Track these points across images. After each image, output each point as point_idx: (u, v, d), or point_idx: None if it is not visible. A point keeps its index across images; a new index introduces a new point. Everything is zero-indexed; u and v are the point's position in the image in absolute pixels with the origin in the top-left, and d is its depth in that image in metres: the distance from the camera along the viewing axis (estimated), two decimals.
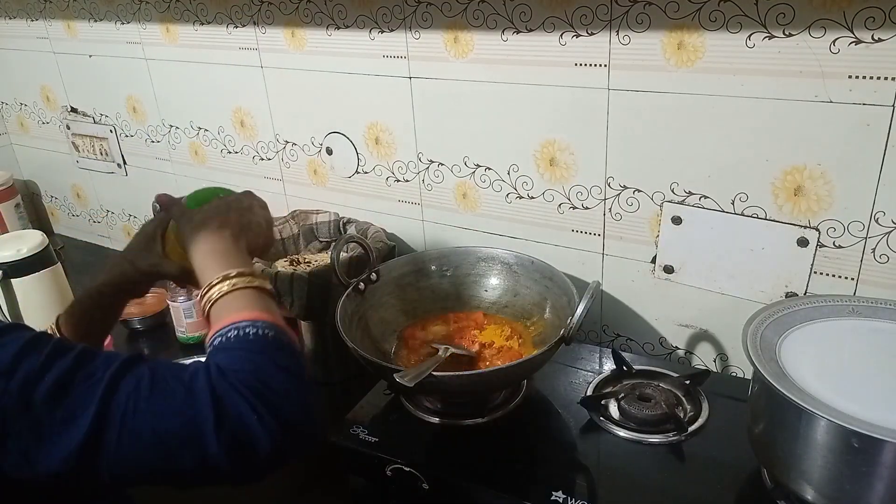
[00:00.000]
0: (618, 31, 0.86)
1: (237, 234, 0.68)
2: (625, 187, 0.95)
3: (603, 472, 0.81)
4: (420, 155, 1.12)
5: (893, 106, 0.74)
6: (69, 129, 1.59)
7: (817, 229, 0.84)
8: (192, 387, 0.52)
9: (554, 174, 1.00)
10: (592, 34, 0.88)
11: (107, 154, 1.56)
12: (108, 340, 1.07)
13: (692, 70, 0.84)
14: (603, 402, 0.89)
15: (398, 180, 1.16)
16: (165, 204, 0.76)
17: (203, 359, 0.56)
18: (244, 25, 1.19)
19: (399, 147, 1.13)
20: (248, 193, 0.76)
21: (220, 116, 1.33)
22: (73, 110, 1.56)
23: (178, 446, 0.50)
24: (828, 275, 0.85)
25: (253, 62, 1.22)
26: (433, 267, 1.07)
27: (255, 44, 1.20)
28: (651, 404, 0.87)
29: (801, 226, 0.84)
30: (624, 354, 0.96)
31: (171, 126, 1.41)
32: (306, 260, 1.13)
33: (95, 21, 1.39)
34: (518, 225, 1.07)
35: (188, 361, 0.58)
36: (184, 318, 1.18)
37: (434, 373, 0.80)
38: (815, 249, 0.85)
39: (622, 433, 0.84)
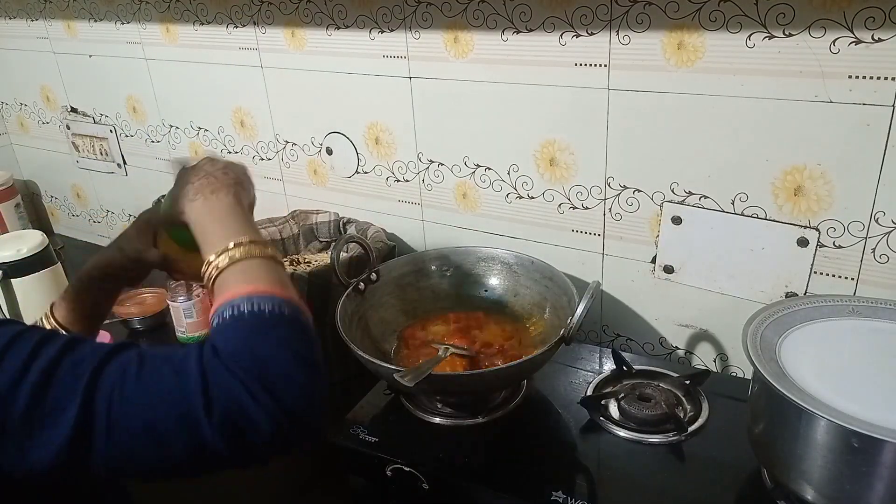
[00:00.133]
0: (618, 31, 0.86)
1: (234, 192, 0.65)
2: (625, 187, 0.95)
3: (603, 472, 0.81)
4: (420, 155, 1.12)
5: (893, 106, 0.74)
6: (69, 129, 1.59)
7: (817, 229, 0.84)
8: (182, 369, 0.50)
9: (554, 174, 1.00)
10: (592, 34, 0.88)
11: (107, 154, 1.56)
12: (108, 339, 1.07)
13: (692, 70, 0.84)
14: (603, 402, 0.89)
15: (398, 180, 1.16)
16: (180, 164, 0.73)
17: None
18: (244, 25, 1.19)
19: (399, 147, 1.13)
20: (209, 159, 0.72)
21: (220, 116, 1.33)
22: (73, 110, 1.56)
23: (170, 432, 0.48)
24: (828, 275, 0.85)
25: (253, 62, 1.22)
26: (433, 267, 1.07)
27: (255, 44, 1.20)
28: (651, 404, 0.87)
29: (801, 226, 0.84)
30: (624, 354, 0.96)
31: (171, 126, 1.41)
32: (306, 260, 1.13)
33: (95, 21, 1.39)
34: (518, 225, 1.07)
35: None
36: (184, 318, 1.18)
37: (434, 373, 0.80)
38: (815, 249, 0.85)
39: (622, 433, 0.84)
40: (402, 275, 1.05)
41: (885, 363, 0.68)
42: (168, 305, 1.20)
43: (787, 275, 0.88)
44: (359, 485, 0.89)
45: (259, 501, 0.89)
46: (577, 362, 1.00)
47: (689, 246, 0.93)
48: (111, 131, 1.52)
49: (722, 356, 0.99)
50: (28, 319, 1.11)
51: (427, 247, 1.18)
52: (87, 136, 1.58)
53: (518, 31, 0.93)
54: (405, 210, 1.18)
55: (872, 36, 0.72)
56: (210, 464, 0.50)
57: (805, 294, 0.88)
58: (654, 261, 0.98)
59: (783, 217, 0.85)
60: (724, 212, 0.89)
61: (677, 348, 1.02)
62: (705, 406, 0.87)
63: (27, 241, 1.16)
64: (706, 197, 0.89)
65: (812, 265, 0.86)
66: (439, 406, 0.90)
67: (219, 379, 0.49)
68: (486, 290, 1.06)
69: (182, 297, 1.17)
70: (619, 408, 0.88)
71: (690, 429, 0.84)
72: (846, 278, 0.84)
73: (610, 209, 0.98)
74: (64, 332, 0.52)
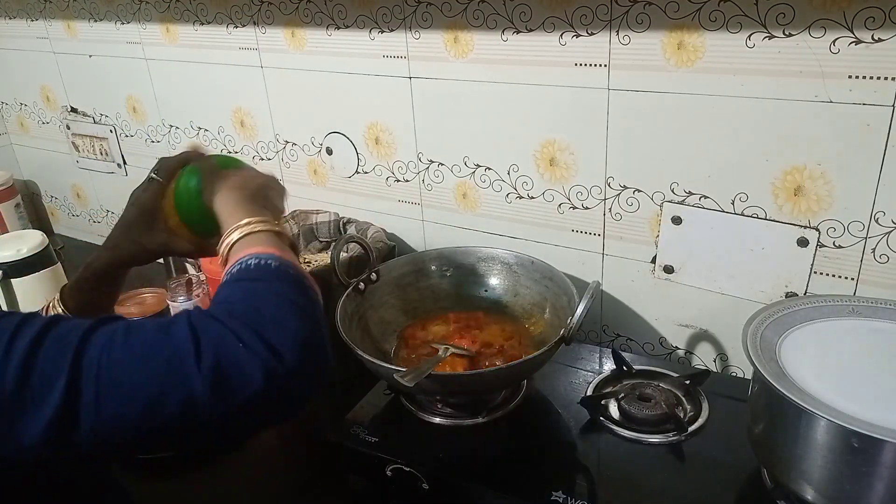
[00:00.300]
0: (618, 31, 0.86)
1: (257, 192, 0.67)
2: (625, 187, 0.95)
3: (603, 472, 0.81)
4: (420, 155, 1.12)
5: (893, 106, 0.74)
6: (69, 129, 1.59)
7: (817, 229, 0.84)
8: (170, 328, 0.49)
9: (554, 174, 1.00)
10: (592, 34, 0.88)
11: (107, 154, 1.56)
12: None
13: (692, 70, 0.84)
14: (603, 402, 0.89)
15: (398, 180, 1.16)
16: (195, 156, 0.75)
17: None
18: (244, 25, 1.19)
19: (399, 147, 1.13)
20: (271, 175, 0.74)
21: (220, 116, 1.33)
22: (73, 110, 1.56)
23: (161, 391, 0.46)
24: (828, 275, 0.85)
25: (253, 62, 1.22)
26: (433, 267, 1.07)
27: (255, 44, 1.20)
28: (651, 404, 0.87)
29: (801, 226, 0.84)
30: (624, 354, 0.96)
31: (172, 126, 1.41)
32: (306, 260, 1.13)
33: (95, 21, 1.39)
34: (518, 225, 1.07)
35: None
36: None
37: (434, 373, 0.80)
38: (815, 249, 0.85)
39: (622, 433, 0.84)
40: (402, 275, 1.05)
41: (885, 363, 0.68)
42: (168, 305, 1.20)
43: (787, 275, 0.88)
44: (359, 485, 0.89)
45: (259, 501, 0.89)
46: (577, 362, 1.00)
47: (689, 246, 0.93)
48: (111, 131, 1.52)
49: (722, 356, 0.99)
50: None
51: (427, 247, 1.18)
52: (87, 136, 1.58)
53: (518, 31, 0.93)
54: (405, 210, 1.18)
55: (872, 36, 0.72)
56: (202, 428, 0.48)
57: (805, 294, 0.88)
58: (654, 261, 0.98)
59: (783, 217, 0.85)
60: (724, 212, 0.89)
61: (677, 348, 1.02)
62: (705, 406, 0.87)
63: (27, 241, 1.16)
64: (706, 197, 0.89)
65: (812, 265, 0.86)
66: (439, 406, 0.90)
67: (206, 327, 0.48)
68: (486, 290, 1.06)
69: (182, 297, 1.17)
70: (619, 408, 0.88)
71: (690, 429, 0.84)
72: (846, 278, 0.84)
73: (610, 209, 0.98)
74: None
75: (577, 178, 0.98)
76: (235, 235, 0.60)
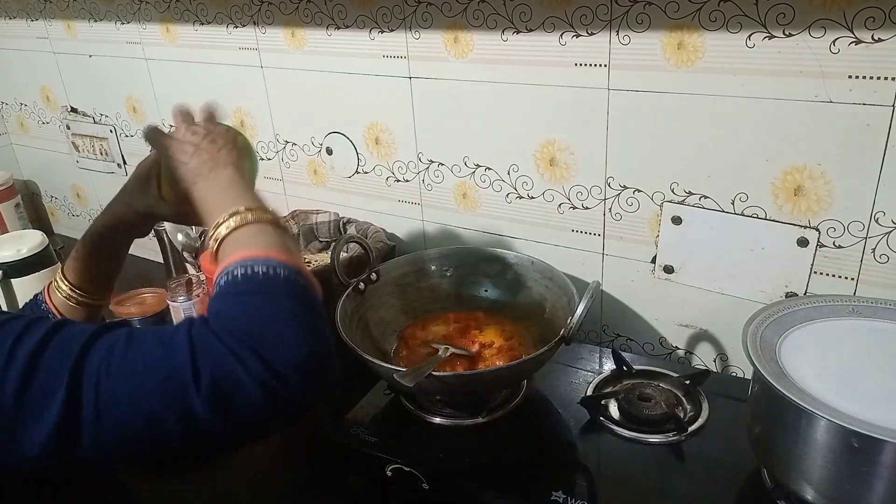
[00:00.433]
0: (618, 31, 0.86)
1: (237, 166, 0.64)
2: (625, 187, 0.95)
3: (603, 472, 0.81)
4: (420, 155, 1.12)
5: (893, 106, 0.74)
6: (69, 129, 1.59)
7: (817, 229, 0.84)
8: (170, 342, 0.48)
9: (554, 174, 1.00)
10: (592, 34, 0.88)
11: (107, 154, 1.56)
12: None
13: (692, 70, 0.84)
14: (603, 402, 0.89)
15: (398, 180, 1.16)
16: (154, 138, 0.72)
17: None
18: (244, 25, 1.19)
19: (399, 147, 1.13)
20: (228, 128, 0.71)
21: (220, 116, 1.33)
22: (73, 110, 1.56)
23: (160, 406, 0.46)
24: (828, 275, 0.85)
25: (253, 62, 1.22)
26: (433, 267, 1.07)
27: (255, 44, 1.20)
28: (651, 404, 0.87)
29: (801, 226, 0.84)
30: (624, 354, 0.96)
31: (171, 126, 1.41)
32: (306, 260, 1.13)
33: (95, 21, 1.39)
34: (518, 225, 1.07)
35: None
36: (184, 318, 1.18)
37: (434, 373, 0.80)
38: (815, 249, 0.85)
39: (622, 433, 0.84)
40: (402, 275, 1.05)
41: (885, 363, 0.68)
42: (168, 305, 1.20)
43: (787, 275, 0.88)
44: (359, 485, 0.89)
45: (259, 501, 0.89)
46: (577, 362, 1.00)
47: (689, 246, 0.93)
48: (111, 131, 1.52)
49: (722, 356, 0.99)
50: None
51: (427, 247, 1.18)
52: (87, 136, 1.58)
53: (518, 31, 0.93)
54: (405, 210, 1.18)
55: (872, 36, 0.72)
56: (203, 440, 0.48)
57: (805, 294, 0.88)
58: (654, 261, 0.98)
59: (783, 217, 0.85)
60: (724, 212, 0.89)
61: (677, 348, 1.02)
62: (705, 406, 0.87)
63: (27, 241, 1.16)
64: (706, 197, 0.89)
65: (812, 265, 0.86)
66: (439, 406, 0.90)
67: (206, 346, 0.47)
68: (486, 290, 1.06)
69: (182, 297, 1.17)
70: (619, 408, 0.88)
71: (690, 429, 0.84)
72: (846, 278, 0.84)
73: (610, 209, 0.98)
74: (54, 318, 0.50)
75: (577, 178, 0.98)
76: (222, 230, 0.57)
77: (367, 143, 1.17)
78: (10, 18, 1.53)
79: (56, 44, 1.50)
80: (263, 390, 0.46)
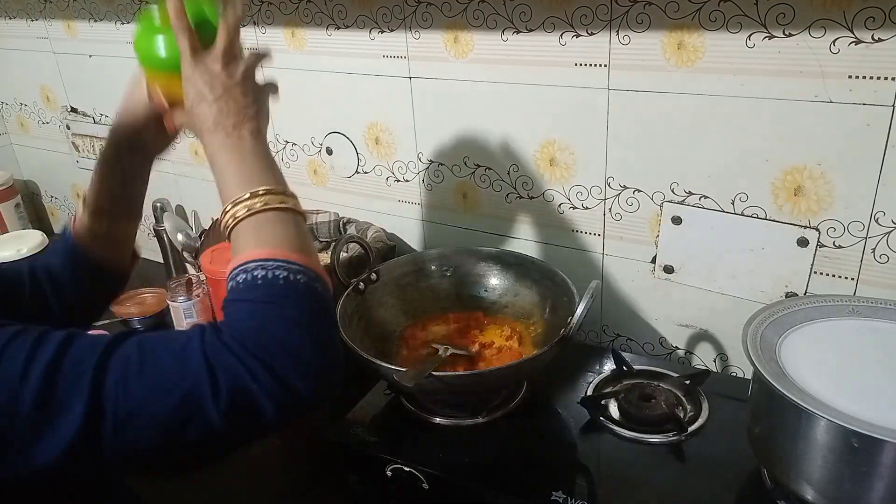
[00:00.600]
0: (618, 31, 0.86)
1: (261, 132, 0.61)
2: (625, 187, 0.95)
3: (603, 472, 0.81)
4: (420, 155, 1.12)
5: (893, 106, 0.74)
6: (69, 129, 1.59)
7: (817, 229, 0.84)
8: (184, 357, 0.48)
9: (554, 174, 1.00)
10: (592, 34, 0.88)
11: None
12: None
13: (692, 70, 0.84)
14: (603, 402, 0.89)
15: (398, 180, 1.16)
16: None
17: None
18: (244, 25, 1.19)
19: (399, 147, 1.13)
20: (265, 88, 0.66)
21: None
22: (73, 110, 1.56)
23: (178, 422, 0.48)
24: (828, 275, 0.85)
25: None
26: (433, 267, 1.07)
27: (254, 44, 1.20)
28: (651, 404, 0.87)
29: (801, 226, 0.85)
30: (624, 354, 0.96)
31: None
32: None
33: (95, 21, 1.39)
34: (518, 225, 1.07)
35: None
36: (184, 318, 1.18)
37: (434, 373, 0.80)
38: (815, 249, 0.85)
39: (622, 433, 0.84)
40: (402, 275, 1.05)
41: (885, 363, 0.68)
42: (168, 305, 1.20)
43: (787, 275, 0.88)
44: (359, 485, 0.89)
45: (259, 501, 0.89)
46: (577, 362, 1.00)
47: (689, 246, 0.93)
48: None
49: (722, 356, 0.99)
50: None
51: (427, 247, 1.18)
52: (87, 136, 1.58)
53: (518, 31, 0.93)
54: (405, 210, 1.18)
55: (872, 36, 0.72)
56: (218, 447, 0.50)
57: (805, 294, 0.88)
58: (654, 261, 0.98)
59: (783, 217, 0.85)
60: (724, 212, 0.89)
61: (677, 348, 1.02)
62: (705, 406, 0.87)
63: (27, 241, 1.16)
64: (706, 197, 0.89)
65: (812, 265, 0.86)
66: (439, 406, 0.90)
67: (223, 362, 0.48)
68: (486, 290, 1.06)
69: (182, 297, 1.17)
70: (620, 408, 0.88)
71: (690, 429, 0.84)
72: (846, 278, 0.84)
73: (610, 209, 0.98)
74: (57, 330, 0.50)
75: (577, 178, 0.98)
76: (241, 211, 0.55)
77: (367, 143, 1.17)
78: (10, 18, 1.53)
79: (56, 44, 1.50)
80: (276, 406, 0.48)
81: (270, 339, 0.49)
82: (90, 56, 1.45)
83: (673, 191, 0.92)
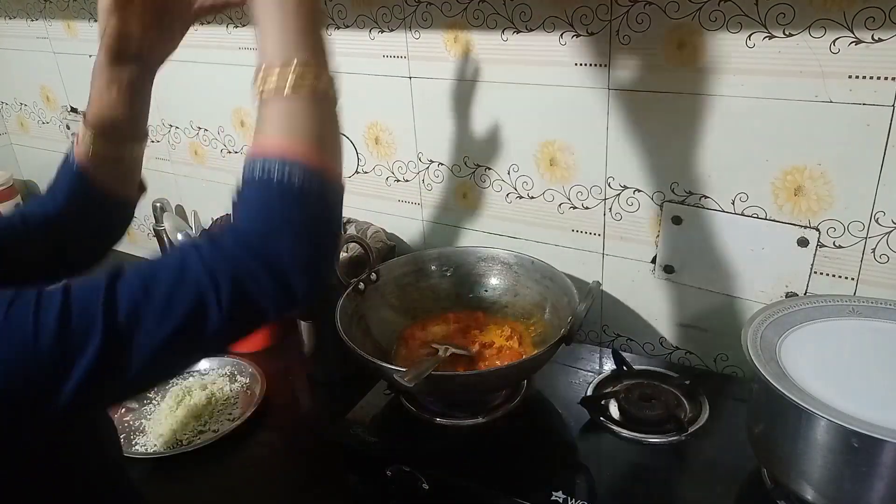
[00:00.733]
0: (618, 31, 0.86)
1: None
2: (625, 187, 0.95)
3: (603, 472, 0.81)
4: (420, 155, 1.12)
5: (893, 106, 0.74)
6: (69, 129, 1.59)
7: (817, 229, 0.84)
8: (184, 273, 0.50)
9: (554, 174, 1.00)
10: (592, 34, 0.88)
11: None
12: None
13: (692, 70, 0.83)
14: (603, 402, 0.89)
15: (398, 180, 1.16)
16: None
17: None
18: (244, 25, 1.19)
19: (399, 147, 1.13)
20: None
21: (220, 116, 1.33)
22: (73, 110, 1.56)
23: (188, 333, 0.50)
24: (828, 275, 0.85)
25: (253, 62, 1.21)
26: (433, 267, 1.07)
27: (255, 44, 1.19)
28: (651, 404, 0.87)
29: (802, 226, 0.84)
30: (624, 354, 0.96)
31: (171, 126, 1.41)
32: None
33: (95, 21, 1.39)
34: (518, 225, 1.07)
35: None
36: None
37: (434, 373, 0.80)
38: (816, 249, 0.85)
39: (622, 433, 0.84)
40: (402, 275, 1.05)
41: (885, 363, 0.68)
42: None
43: (787, 275, 0.88)
44: (359, 485, 0.89)
45: (259, 501, 0.89)
46: (577, 362, 1.00)
47: (689, 246, 0.93)
48: None
49: (722, 356, 0.99)
50: None
51: (427, 247, 1.18)
52: None
53: (518, 31, 0.93)
54: (405, 210, 1.18)
55: (872, 36, 0.72)
56: (222, 345, 0.54)
57: (805, 294, 0.88)
58: (654, 261, 0.98)
59: (783, 217, 0.85)
60: (724, 212, 0.89)
61: (677, 348, 1.02)
62: (705, 406, 0.87)
63: None
64: (706, 197, 0.89)
65: (812, 265, 0.86)
66: (439, 406, 0.90)
67: (223, 269, 0.50)
68: (486, 290, 1.06)
69: None
70: (619, 408, 0.88)
71: (690, 429, 0.84)
72: (846, 278, 0.84)
73: (610, 209, 0.98)
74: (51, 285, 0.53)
75: (577, 178, 0.98)
76: (272, 82, 0.54)
77: (367, 143, 1.17)
78: (10, 18, 1.53)
79: (56, 44, 1.50)
80: (276, 306, 0.52)
81: (274, 245, 0.51)
82: (90, 56, 1.45)
83: (673, 191, 0.92)
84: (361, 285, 0.98)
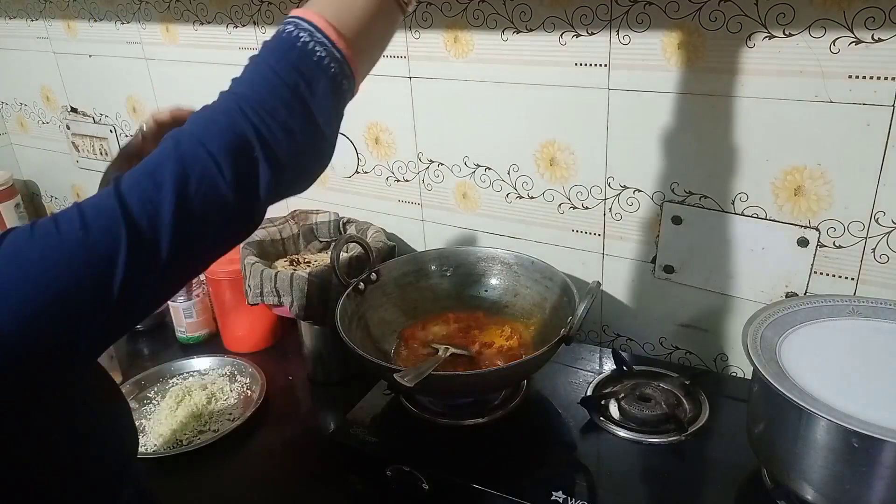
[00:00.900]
0: (618, 31, 0.86)
1: None
2: (625, 187, 0.95)
3: (603, 472, 0.81)
4: (420, 155, 1.12)
5: (893, 106, 0.74)
6: (69, 129, 1.59)
7: (817, 229, 0.84)
8: (182, 155, 0.52)
9: (554, 174, 1.00)
10: (592, 34, 0.88)
11: (107, 154, 1.56)
12: None
13: (692, 70, 0.84)
14: (603, 402, 0.89)
15: (398, 180, 1.16)
16: None
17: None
18: (244, 25, 1.19)
19: (399, 147, 1.13)
20: None
21: None
22: (73, 110, 1.57)
23: (214, 223, 0.52)
24: (828, 275, 0.85)
25: None
26: (433, 267, 1.07)
27: (255, 44, 1.20)
28: (651, 404, 0.87)
29: (802, 226, 0.84)
30: (624, 354, 0.96)
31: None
32: (306, 260, 1.13)
33: (95, 21, 1.39)
34: (518, 225, 1.07)
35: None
36: (183, 318, 1.18)
37: (434, 373, 0.80)
38: (815, 249, 0.85)
39: (622, 433, 0.84)
40: (402, 275, 1.05)
41: (885, 363, 0.68)
42: (168, 305, 1.20)
43: (787, 275, 0.88)
44: (359, 485, 0.89)
45: (260, 501, 0.89)
46: (577, 362, 1.00)
47: (689, 246, 0.93)
48: (111, 131, 1.52)
49: (722, 356, 0.99)
50: None
51: (427, 247, 1.18)
52: (87, 136, 1.58)
53: (518, 31, 0.93)
54: (405, 210, 1.18)
55: (872, 36, 0.72)
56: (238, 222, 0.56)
57: (805, 294, 0.88)
58: (654, 261, 0.98)
59: (783, 217, 0.85)
60: (724, 212, 0.89)
61: (677, 348, 1.02)
62: (705, 406, 0.87)
63: None
64: (706, 197, 0.89)
65: (812, 265, 0.86)
66: (439, 406, 0.90)
67: (217, 143, 0.52)
68: (486, 290, 1.06)
69: (182, 297, 1.17)
70: (620, 408, 0.88)
71: (691, 429, 0.83)
72: (846, 278, 0.84)
73: (610, 209, 0.98)
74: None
75: (577, 178, 0.98)
76: None
77: (366, 143, 1.17)
78: (10, 18, 1.53)
79: (56, 44, 1.50)
80: (269, 181, 0.54)
81: (269, 110, 0.53)
82: (90, 56, 1.45)
83: (673, 191, 0.92)
84: (361, 285, 0.98)
